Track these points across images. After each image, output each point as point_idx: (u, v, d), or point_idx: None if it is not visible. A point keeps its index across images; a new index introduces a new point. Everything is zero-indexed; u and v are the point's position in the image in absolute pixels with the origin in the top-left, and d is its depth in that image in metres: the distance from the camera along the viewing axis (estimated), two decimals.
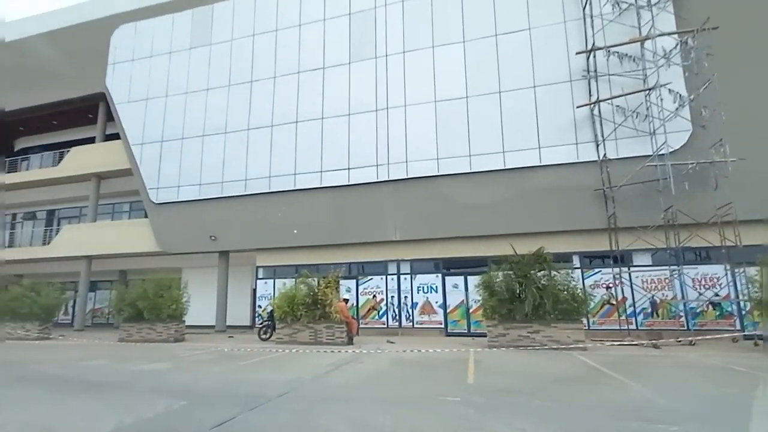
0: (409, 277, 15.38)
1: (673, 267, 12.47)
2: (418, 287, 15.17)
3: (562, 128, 14.00)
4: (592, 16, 14.24)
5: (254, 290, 18.69)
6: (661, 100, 12.83)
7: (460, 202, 14.62)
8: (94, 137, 23.22)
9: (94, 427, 4.93)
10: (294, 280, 14.60)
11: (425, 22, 16.26)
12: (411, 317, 15.06)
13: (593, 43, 13.90)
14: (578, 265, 13.85)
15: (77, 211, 24.41)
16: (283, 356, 11.14)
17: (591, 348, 10.83)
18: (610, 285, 13.37)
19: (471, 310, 14.43)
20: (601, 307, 13.52)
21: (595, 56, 13.97)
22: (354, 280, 15.73)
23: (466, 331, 14.34)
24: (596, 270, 13.71)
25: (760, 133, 12.19)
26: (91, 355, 12.46)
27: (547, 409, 5.36)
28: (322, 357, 10.67)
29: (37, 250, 22.60)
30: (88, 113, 23.68)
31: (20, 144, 27.41)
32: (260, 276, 17.68)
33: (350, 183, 16.08)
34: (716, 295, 12.38)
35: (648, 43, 13.27)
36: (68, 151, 23.12)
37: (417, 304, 15.07)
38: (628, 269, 13.31)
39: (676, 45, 13.08)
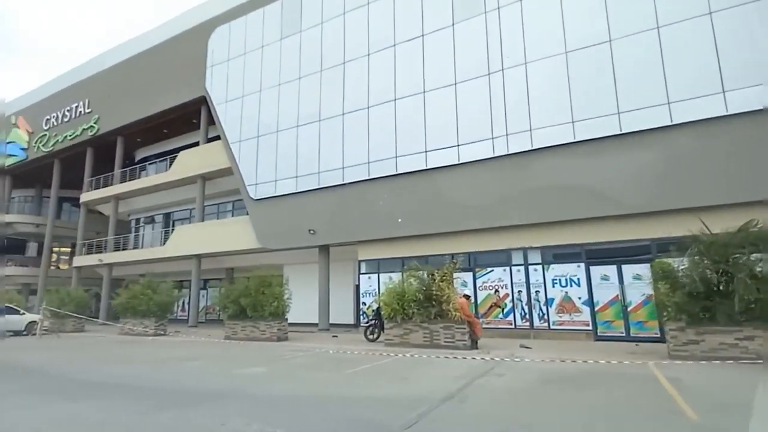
0: (540, 267, 12.68)
1: None
2: (554, 280, 12.41)
3: (748, 65, 10.33)
4: None
5: (357, 286, 17.30)
6: None
7: (607, 172, 11.59)
8: (199, 141, 23.84)
9: None
10: (401, 273, 12.82)
11: None
12: (545, 316, 12.35)
13: None
14: None
15: (188, 213, 25.33)
16: (396, 362, 9.29)
17: None
18: None
19: (629, 309, 11.33)
20: None
21: None
22: (470, 273, 13.43)
23: (623, 335, 11.27)
24: None
25: None
26: (194, 354, 11.76)
27: None
28: (446, 365, 8.61)
29: (154, 251, 23.70)
30: (192, 119, 24.39)
31: (139, 155, 29.44)
32: (363, 270, 16.20)
33: (460, 162, 13.86)
34: None
35: None
36: (177, 156, 24.01)
37: (553, 300, 12.32)
38: None
39: None
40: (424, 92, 14.97)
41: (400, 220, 14.82)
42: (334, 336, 15.07)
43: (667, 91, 11.03)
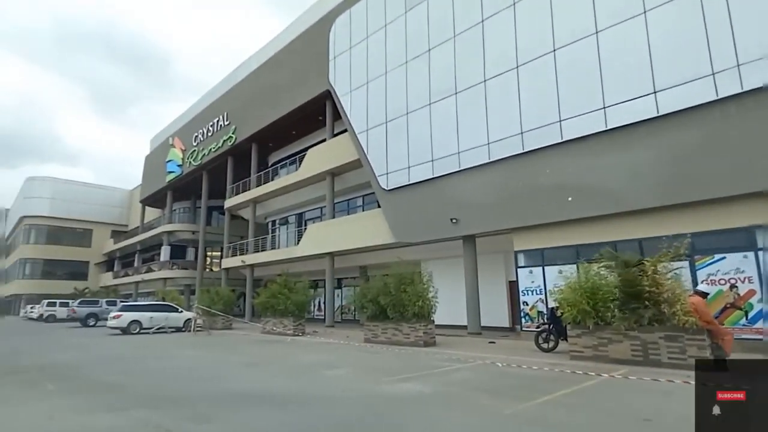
0: None
1: None
2: None
3: None
4: None
5: (512, 282, 14.62)
6: None
7: None
8: (325, 138, 23.42)
9: None
10: (575, 266, 9.90)
11: None
12: None
13: None
14: None
15: (318, 212, 25.13)
16: (606, 387, 6.56)
17: None
18: None
19: None
20: None
21: None
22: (686, 262, 9.79)
23: None
24: None
25: None
26: (336, 360, 10.32)
27: None
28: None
29: (289, 250, 23.85)
30: (318, 116, 24.09)
31: (272, 159, 30.49)
32: (521, 264, 13.46)
33: (660, 113, 10.34)
34: None
35: None
36: (305, 155, 23.89)
37: None
38: None
39: None
40: (596, 32, 11.74)
41: (570, 198, 11.77)
42: (491, 342, 12.61)
43: None
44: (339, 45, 20.94)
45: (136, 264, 44.97)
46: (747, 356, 7.90)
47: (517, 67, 13.42)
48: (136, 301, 34.17)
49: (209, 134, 33.03)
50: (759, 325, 8.93)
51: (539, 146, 12.57)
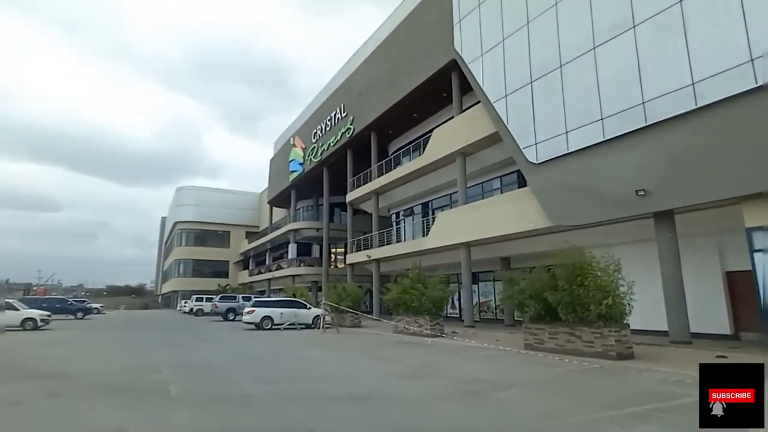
0: None
1: None
2: None
3: None
4: None
5: (731, 273, 10.73)
6: None
7: None
8: (452, 116, 21.13)
9: None
10: None
11: None
12: None
13: None
14: None
15: (447, 199, 22.92)
16: None
17: None
18: None
19: None
20: None
21: None
22: None
23: None
24: None
25: None
26: (501, 376, 7.91)
27: None
28: None
29: (417, 243, 22.03)
30: (442, 92, 21.89)
31: (392, 147, 29.14)
32: (758, 246, 9.57)
33: None
34: None
35: None
36: (430, 137, 21.85)
37: None
38: None
39: None
40: None
41: None
42: (719, 357, 9.03)
43: None
44: (465, 4, 18.43)
45: (267, 262, 47.71)
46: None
47: None
48: (268, 297, 35.80)
49: (327, 129, 33.00)
50: None
51: None
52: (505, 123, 15.96)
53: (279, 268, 41.34)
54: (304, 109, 42.06)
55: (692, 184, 10.52)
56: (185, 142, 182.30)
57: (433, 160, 20.82)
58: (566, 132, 13.53)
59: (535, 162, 14.62)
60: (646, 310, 11.65)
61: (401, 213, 27.20)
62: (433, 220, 22.04)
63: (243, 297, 31.11)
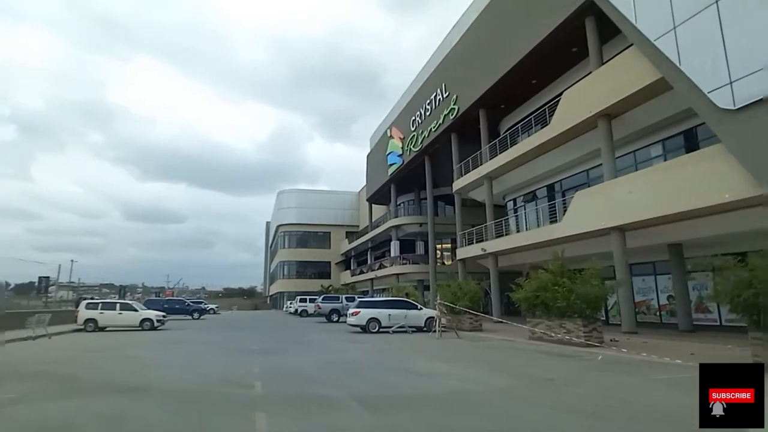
0: None
1: None
2: None
3: None
4: None
5: None
6: None
7: None
8: (585, 76, 17.50)
9: None
10: None
11: None
12: None
13: None
14: None
15: (583, 177, 19.16)
16: None
17: None
18: None
19: None
20: None
21: None
22: None
23: None
24: None
25: None
26: None
27: None
28: None
29: (545, 231, 18.61)
30: (571, 47, 18.30)
31: (504, 125, 25.84)
32: None
33: None
34: None
35: None
36: (557, 103, 18.34)
37: None
38: None
39: None
40: None
41: None
42: None
43: None
44: None
45: (369, 261, 46.79)
46: None
47: None
48: (371, 297, 34.51)
49: (427, 114, 30.68)
50: None
51: None
52: (676, 63, 12.15)
53: (381, 267, 39.98)
54: (399, 98, 40.33)
55: None
56: (285, 152, 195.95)
57: (565, 129, 17.31)
58: None
59: (732, 107, 10.70)
60: None
61: (520, 199, 23.82)
62: (565, 204, 18.55)
63: (346, 297, 30.01)
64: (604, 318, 17.84)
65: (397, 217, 38.24)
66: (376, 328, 18.22)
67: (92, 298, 27.33)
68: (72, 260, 45.57)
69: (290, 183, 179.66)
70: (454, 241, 37.03)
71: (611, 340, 12.40)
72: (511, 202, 24.67)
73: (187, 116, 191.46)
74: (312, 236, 62.93)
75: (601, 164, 17.04)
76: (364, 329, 18.39)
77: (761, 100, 10.09)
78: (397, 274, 35.90)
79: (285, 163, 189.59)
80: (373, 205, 48.33)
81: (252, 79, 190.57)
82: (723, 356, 9.52)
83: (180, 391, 6.95)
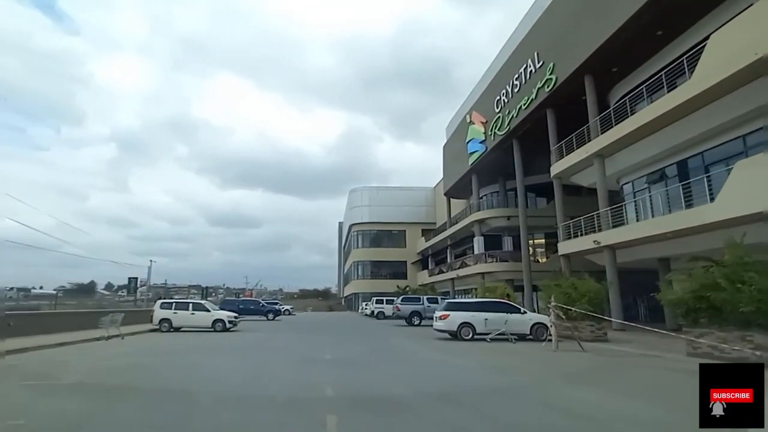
0: None
1: None
2: None
3: None
4: None
5: None
6: None
7: None
8: (735, 16, 13.66)
9: None
10: None
11: None
12: None
13: None
14: None
15: (736, 146, 15.08)
16: None
17: None
18: None
19: None
20: None
21: None
22: None
23: None
24: None
25: None
26: None
27: None
28: None
29: (690, 216, 14.83)
30: None
31: (616, 93, 21.93)
32: None
33: None
34: None
35: None
36: (697, 55, 14.56)
37: None
38: None
39: None
40: None
41: None
42: None
43: None
44: None
45: (448, 260, 44.01)
46: None
47: None
48: (456, 298, 31.78)
49: (516, 90, 27.42)
50: None
51: None
52: None
53: (463, 265, 37.06)
54: (478, 81, 37.30)
55: None
56: (355, 153, 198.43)
57: (714, 83, 13.54)
58: None
59: None
60: None
61: (640, 180, 19.85)
62: (710, 181, 14.75)
63: (428, 299, 27.55)
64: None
65: (480, 210, 35.11)
66: (470, 335, 15.62)
67: (172, 297, 27.42)
68: (151, 260, 47.68)
69: (361, 184, 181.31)
70: (547, 236, 33.37)
71: None
72: (629, 185, 20.76)
73: (261, 125, 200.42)
74: (386, 235, 61.29)
75: (761, 128, 13.23)
76: (455, 336, 15.90)
77: None
78: (482, 273, 32.81)
79: (355, 164, 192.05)
80: (451, 199, 45.44)
81: (321, 83, 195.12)
82: None
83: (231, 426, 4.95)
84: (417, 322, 26.17)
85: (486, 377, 8.67)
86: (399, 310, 26.89)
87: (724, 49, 13.40)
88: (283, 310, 42.44)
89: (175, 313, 19.38)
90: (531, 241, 31.89)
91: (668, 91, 16.19)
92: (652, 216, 18.10)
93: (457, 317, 15.85)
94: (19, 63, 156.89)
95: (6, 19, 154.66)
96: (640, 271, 21.50)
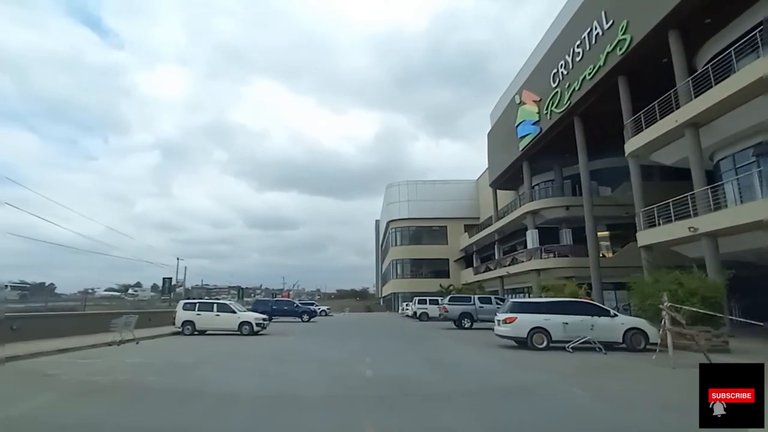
0: None
1: None
2: None
3: None
4: None
5: None
6: None
7: None
8: None
9: None
10: None
11: None
12: None
13: None
14: None
15: None
16: None
17: None
18: None
19: None
20: None
21: None
22: None
23: None
24: None
25: None
26: None
27: None
28: None
29: None
30: None
31: (706, 53, 18.45)
32: None
33: None
34: None
35: None
36: None
37: None
38: None
39: None
40: None
41: None
42: None
43: None
44: None
45: (496, 256, 40.87)
46: None
47: None
48: (504, 297, 28.75)
49: (577, 60, 24.21)
50: None
51: None
52: None
53: (514, 261, 33.96)
54: (527, 59, 34.00)
55: None
56: (390, 153, 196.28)
57: None
58: None
59: None
60: None
61: (749, 152, 16.37)
62: None
63: (480, 298, 24.75)
64: None
65: (533, 200, 31.89)
66: (544, 344, 12.84)
67: (213, 298, 25.88)
68: (178, 258, 46.75)
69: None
70: (611, 228, 29.89)
71: None
72: (727, 160, 17.32)
73: (296, 127, 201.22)
74: (426, 231, 58.52)
75: None
76: (524, 343, 13.18)
77: None
78: (538, 270, 29.63)
79: (391, 164, 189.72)
80: (498, 191, 42.25)
81: (354, 83, 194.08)
82: None
83: None
84: (468, 325, 23.46)
85: (615, 416, 5.96)
86: (447, 312, 24.20)
87: None
88: (319, 310, 40.62)
89: (198, 314, 17.55)
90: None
91: None
92: (762, 196, 14.72)
93: (527, 321, 13.10)
94: (72, 79, 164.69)
95: (61, 39, 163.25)
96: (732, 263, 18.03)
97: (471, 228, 50.29)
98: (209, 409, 6.11)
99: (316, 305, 43.89)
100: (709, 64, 16.45)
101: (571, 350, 12.24)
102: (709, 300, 11.64)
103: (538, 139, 30.08)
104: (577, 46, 24.17)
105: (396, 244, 60.32)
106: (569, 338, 12.53)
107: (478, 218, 52.20)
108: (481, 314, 23.55)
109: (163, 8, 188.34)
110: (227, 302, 19.18)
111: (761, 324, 10.57)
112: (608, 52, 21.11)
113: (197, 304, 18.16)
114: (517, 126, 33.15)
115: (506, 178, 39.08)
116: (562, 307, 13.24)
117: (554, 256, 29.15)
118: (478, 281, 42.74)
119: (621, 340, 12.40)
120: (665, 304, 9.88)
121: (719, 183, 16.35)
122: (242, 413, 5.86)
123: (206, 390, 7.41)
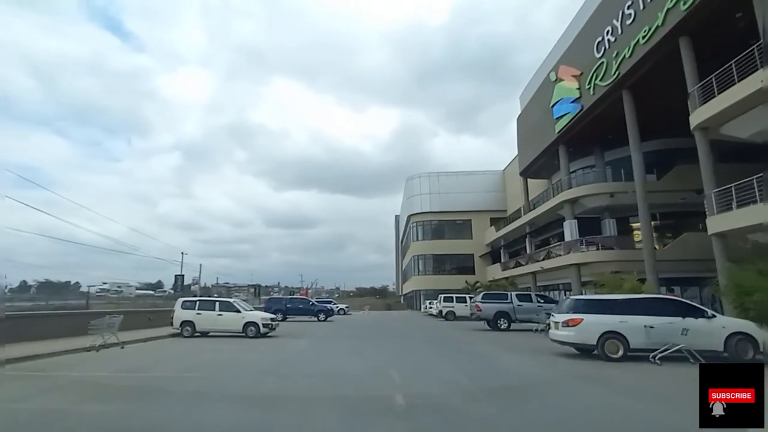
0: None
1: None
2: None
3: None
4: None
5: None
6: None
7: None
8: None
9: None
10: None
11: None
12: None
13: None
14: None
15: None
16: None
17: None
18: None
19: None
20: None
21: None
22: None
23: None
24: None
25: None
26: None
27: None
28: None
29: None
30: None
31: None
32: None
33: None
34: None
35: None
36: None
37: None
38: None
39: None
40: None
41: None
42: None
43: None
44: None
45: (528, 250, 38.06)
46: None
47: None
48: (545, 294, 25.98)
49: (627, 23, 21.34)
50: None
51: None
52: None
53: (550, 255, 31.13)
54: (562, 34, 31.07)
55: None
56: (410, 150, 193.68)
57: None
58: None
59: None
60: None
61: None
62: None
63: (518, 296, 22.13)
64: None
65: (571, 188, 29.01)
66: (619, 353, 10.26)
67: (232, 296, 23.89)
68: (183, 253, 45.18)
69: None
70: (663, 217, 26.92)
71: None
72: None
73: (315, 126, 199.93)
74: (449, 225, 55.79)
75: None
76: (591, 351, 10.65)
77: None
78: (578, 264, 26.87)
79: (410, 160, 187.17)
80: (528, 180, 39.40)
81: (373, 81, 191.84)
82: None
83: None
84: (504, 326, 20.91)
85: None
86: (480, 311, 21.66)
87: None
88: (337, 309, 38.50)
89: (198, 314, 15.47)
90: (635, 224, 25.51)
91: None
92: None
93: (597, 323, 10.53)
94: (97, 82, 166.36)
95: (85, 43, 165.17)
96: None
97: (497, 221, 47.45)
98: None
99: (334, 303, 41.80)
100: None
101: (659, 362, 9.63)
102: None
103: (578, 119, 27.19)
104: (628, 7, 21.29)
105: (417, 239, 57.81)
106: (655, 345, 9.92)
107: (505, 211, 49.32)
108: (520, 314, 20.98)
109: (183, 11, 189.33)
110: (231, 300, 17.02)
111: None
112: (668, 9, 18.25)
113: (197, 303, 16.07)
114: (553, 106, 30.29)
115: (538, 166, 36.23)
116: (643, 306, 10.60)
117: (597, 249, 26.30)
118: (507, 277, 39.96)
119: (722, 348, 9.75)
120: None
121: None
122: None
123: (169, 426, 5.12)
